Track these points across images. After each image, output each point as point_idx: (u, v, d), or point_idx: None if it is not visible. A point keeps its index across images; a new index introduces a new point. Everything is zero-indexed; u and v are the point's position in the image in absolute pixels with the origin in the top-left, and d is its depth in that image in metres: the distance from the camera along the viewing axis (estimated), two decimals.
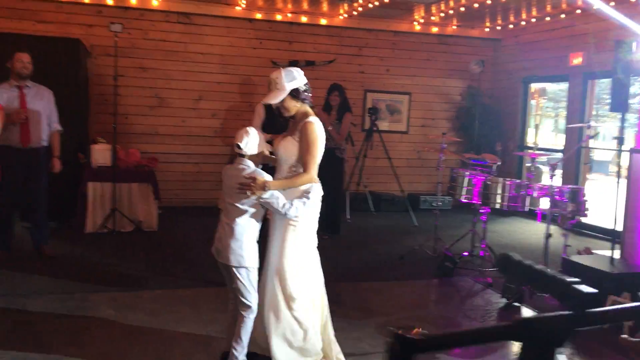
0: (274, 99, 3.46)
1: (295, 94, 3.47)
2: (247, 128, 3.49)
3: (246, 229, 3.43)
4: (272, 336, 3.48)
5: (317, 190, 3.54)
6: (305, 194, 3.46)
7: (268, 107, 7.41)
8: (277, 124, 5.97)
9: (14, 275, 5.31)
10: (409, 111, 10.28)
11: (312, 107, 3.63)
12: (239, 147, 3.43)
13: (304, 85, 3.51)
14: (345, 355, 3.93)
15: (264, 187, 3.32)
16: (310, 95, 3.58)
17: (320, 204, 3.63)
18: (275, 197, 3.37)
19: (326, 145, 7.14)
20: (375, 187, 9.99)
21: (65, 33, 8.16)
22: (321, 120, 7.13)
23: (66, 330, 4.13)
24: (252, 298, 3.47)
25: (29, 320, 4.27)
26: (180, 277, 5.52)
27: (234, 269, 3.43)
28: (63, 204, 7.26)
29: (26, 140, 5.58)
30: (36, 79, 5.82)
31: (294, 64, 9.40)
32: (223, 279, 3.64)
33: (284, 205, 3.37)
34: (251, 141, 3.45)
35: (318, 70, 9.53)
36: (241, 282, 3.44)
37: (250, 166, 3.45)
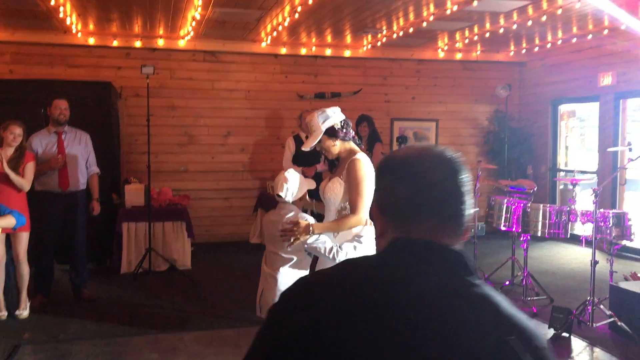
0: (311, 143, 3.32)
1: (331, 132, 3.29)
2: (286, 174, 3.29)
3: (293, 279, 3.19)
4: None
5: (369, 233, 3.27)
6: (357, 238, 3.21)
7: (298, 140, 7.45)
8: (308, 156, 5.97)
9: (54, 321, 5.31)
10: (437, 138, 10.22)
11: (358, 144, 3.44)
12: (279, 196, 3.26)
13: (341, 122, 3.31)
14: None
15: (308, 230, 3.11)
16: (352, 132, 3.39)
17: (375, 247, 3.40)
18: (322, 241, 3.14)
19: None
20: None
21: (96, 76, 8.32)
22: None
23: None
24: None
25: None
26: (220, 317, 5.47)
27: None
28: (99, 245, 7.31)
29: (65, 185, 5.64)
30: (70, 122, 5.91)
31: (320, 96, 9.45)
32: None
33: (331, 249, 3.13)
34: (292, 186, 3.26)
35: (344, 102, 9.54)
36: None
37: (292, 210, 3.27)
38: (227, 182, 9.20)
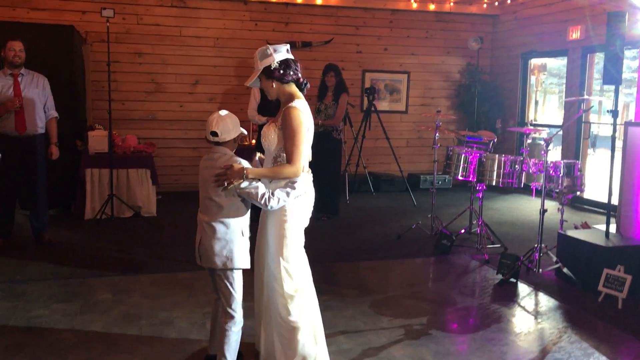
0: (250, 80, 3.22)
1: (268, 73, 3.14)
2: (219, 112, 3.17)
3: (230, 225, 3.11)
4: (272, 342, 3.25)
5: (304, 180, 3.18)
6: (290, 184, 3.12)
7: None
8: (274, 106, 5.95)
9: (14, 262, 5.35)
10: (408, 90, 10.23)
11: (302, 88, 3.27)
12: (214, 134, 3.11)
13: (278, 62, 3.14)
14: (339, 333, 3.96)
15: (242, 174, 3.00)
16: (294, 73, 3.20)
17: (312, 196, 3.30)
18: (254, 186, 3.04)
19: (323, 127, 7.18)
20: (375, 168, 9.98)
21: (59, 20, 8.15)
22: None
23: (63, 315, 4.17)
24: (237, 307, 3.18)
25: (26, 307, 4.30)
26: (179, 261, 5.54)
27: (219, 273, 3.14)
28: (62, 191, 7.31)
29: (22, 128, 5.59)
30: (31, 67, 5.81)
31: (290, 45, 9.33)
32: None
33: (263, 195, 3.04)
34: (224, 125, 3.10)
35: (315, 51, 9.48)
36: (227, 287, 3.14)
37: (226, 153, 3.14)
38: (196, 132, 9.16)
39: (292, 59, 3.23)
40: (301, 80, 3.27)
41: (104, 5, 7.67)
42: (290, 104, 3.13)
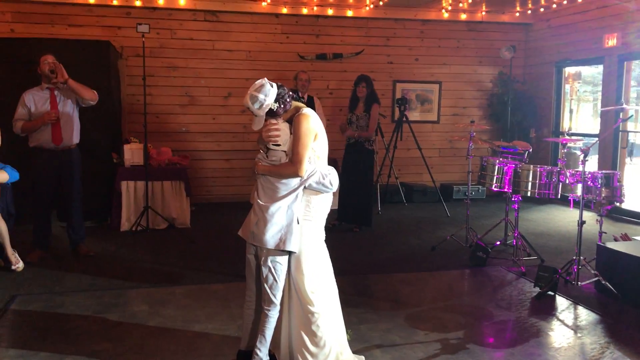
0: (257, 127, 3.33)
1: (272, 114, 3.32)
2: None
3: (285, 209, 3.33)
4: (297, 336, 3.43)
5: (334, 175, 3.48)
6: (323, 175, 3.40)
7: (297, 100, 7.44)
8: None
9: (51, 274, 5.45)
10: (440, 100, 10.16)
11: (298, 98, 3.51)
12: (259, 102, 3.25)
13: (276, 102, 3.27)
14: (374, 347, 3.93)
15: (254, 171, 3.38)
16: (289, 98, 3.35)
17: (331, 195, 3.54)
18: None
19: (354, 138, 7.18)
20: (407, 179, 9.93)
21: (96, 36, 8.34)
22: (348, 134, 7.04)
23: (100, 327, 4.23)
24: (279, 293, 3.40)
25: (65, 318, 4.38)
26: (213, 272, 5.58)
27: (265, 254, 3.34)
28: (98, 203, 7.45)
29: (58, 140, 5.71)
30: None
31: (321, 57, 9.40)
32: None
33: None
34: (262, 94, 3.24)
35: (346, 63, 9.50)
36: (271, 272, 3.35)
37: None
38: (228, 144, 9.26)
39: (279, 89, 3.32)
40: (293, 95, 3.48)
41: (139, 20, 7.82)
42: (301, 112, 3.37)
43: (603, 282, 4.97)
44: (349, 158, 7.33)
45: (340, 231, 7.16)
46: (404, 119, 8.89)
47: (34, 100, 5.64)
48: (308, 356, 3.41)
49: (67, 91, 5.80)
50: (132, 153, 7.31)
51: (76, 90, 5.68)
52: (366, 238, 7.03)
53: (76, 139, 5.89)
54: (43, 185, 5.75)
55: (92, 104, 5.87)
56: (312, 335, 3.40)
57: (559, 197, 5.76)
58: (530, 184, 5.65)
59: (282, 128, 3.34)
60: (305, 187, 3.39)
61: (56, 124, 5.67)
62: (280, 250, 3.34)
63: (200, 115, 9.15)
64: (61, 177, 5.82)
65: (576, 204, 5.36)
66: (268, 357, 3.46)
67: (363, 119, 7.19)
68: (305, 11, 9.20)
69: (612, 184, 5.13)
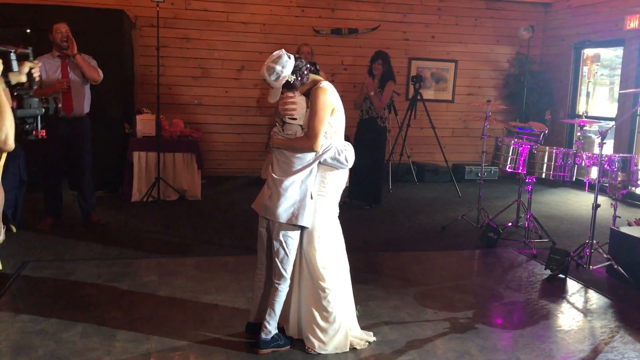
0: (273, 99, 3.31)
1: (289, 87, 3.27)
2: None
3: (299, 184, 3.32)
4: (307, 311, 3.45)
5: (350, 151, 3.46)
6: (338, 150, 3.38)
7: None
8: None
9: (63, 242, 5.48)
10: (455, 79, 10.04)
11: (316, 71, 3.45)
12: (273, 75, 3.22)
13: (293, 74, 3.22)
14: (383, 323, 3.92)
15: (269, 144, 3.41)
16: (306, 70, 3.30)
17: (347, 170, 3.52)
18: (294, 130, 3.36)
19: (368, 114, 7.13)
20: (419, 158, 9.86)
21: (110, 4, 8.26)
22: (367, 85, 7.07)
23: (111, 295, 4.25)
24: (289, 267, 3.39)
25: (76, 286, 4.41)
26: (223, 245, 5.59)
27: (277, 228, 3.33)
28: (110, 173, 7.46)
29: (69, 109, 5.69)
30: (82, 50, 5.87)
31: (336, 32, 9.28)
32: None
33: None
34: (280, 65, 3.21)
35: (361, 38, 9.39)
36: (283, 246, 3.34)
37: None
38: (240, 117, 9.21)
39: (296, 60, 3.28)
40: (311, 68, 3.42)
41: None
42: (319, 85, 3.32)
43: (615, 266, 4.92)
44: (361, 135, 7.26)
45: (351, 208, 7.15)
46: (419, 97, 8.79)
47: (45, 68, 5.61)
48: (318, 331, 3.42)
49: (80, 58, 5.76)
50: (144, 124, 7.29)
51: (82, 67, 5.66)
52: (376, 216, 7.01)
53: (87, 108, 5.87)
54: (53, 154, 5.75)
55: (94, 83, 5.83)
56: (323, 311, 3.40)
57: (574, 179, 5.69)
58: (545, 165, 5.57)
59: (298, 101, 3.31)
60: (320, 163, 3.36)
61: (67, 92, 5.65)
62: (292, 224, 3.32)
63: (212, 87, 9.09)
64: (71, 145, 5.82)
65: (591, 187, 5.30)
66: (277, 331, 3.47)
67: (377, 95, 7.11)
68: None
69: (629, 167, 5.05)
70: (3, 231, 5.40)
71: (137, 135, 7.29)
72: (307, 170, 3.33)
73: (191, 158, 7.42)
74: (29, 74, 2.83)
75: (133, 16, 8.45)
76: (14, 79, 2.75)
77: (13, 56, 2.69)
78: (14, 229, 5.64)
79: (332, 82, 3.53)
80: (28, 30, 2.76)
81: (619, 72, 9.29)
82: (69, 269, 4.75)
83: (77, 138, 5.83)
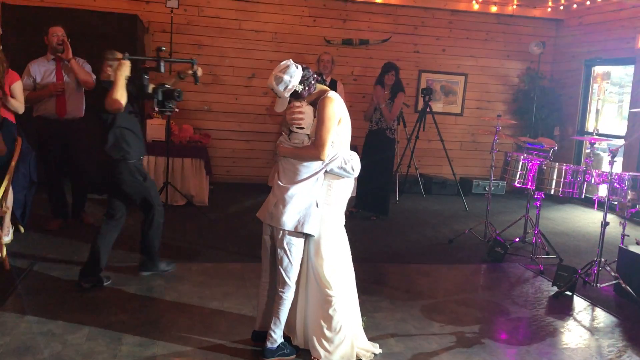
0: (280, 108, 3.33)
1: (296, 96, 3.30)
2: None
3: (305, 192, 3.32)
4: (313, 319, 3.45)
5: (356, 161, 3.46)
6: (345, 159, 3.37)
7: (320, 83, 7.37)
8: None
9: (70, 243, 5.50)
10: (465, 93, 10.05)
11: (322, 82, 3.50)
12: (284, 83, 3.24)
13: (301, 84, 3.26)
14: (389, 335, 3.91)
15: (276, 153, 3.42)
16: (314, 80, 3.34)
17: (352, 180, 3.52)
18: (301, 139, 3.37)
19: (378, 125, 7.14)
20: (427, 170, 9.86)
21: (124, 9, 8.32)
22: (377, 96, 7.09)
23: (117, 298, 4.26)
24: (293, 275, 3.39)
25: (82, 287, 4.41)
26: (230, 252, 5.59)
27: (282, 236, 3.33)
28: None
29: (62, 112, 5.73)
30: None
31: (347, 42, 9.32)
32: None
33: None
34: (287, 76, 3.24)
35: (372, 50, 9.42)
36: (287, 254, 3.35)
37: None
38: (249, 125, 9.24)
39: (304, 71, 3.31)
40: (318, 78, 3.48)
41: None
42: (326, 95, 3.33)
43: (623, 285, 4.90)
44: (370, 146, 7.27)
45: (358, 218, 7.14)
46: (428, 109, 8.80)
47: (39, 71, 5.65)
48: (323, 340, 3.41)
49: (75, 61, 5.78)
50: (155, 128, 7.32)
51: (75, 71, 5.70)
52: (383, 227, 7.00)
53: (82, 111, 5.90)
54: (49, 155, 5.80)
55: (87, 88, 5.83)
56: (329, 320, 3.40)
57: (583, 197, 5.68)
58: (554, 182, 5.56)
59: (305, 111, 3.32)
60: (326, 172, 3.37)
61: (61, 95, 5.70)
62: (297, 232, 3.33)
63: (223, 94, 9.13)
64: (66, 147, 5.85)
65: (600, 205, 5.28)
66: (282, 339, 3.46)
67: (388, 106, 7.13)
68: None
69: (639, 186, 5.04)
70: (11, 231, 5.43)
71: (146, 139, 7.30)
72: (314, 178, 3.34)
73: (200, 164, 7.44)
74: None
75: (146, 21, 8.51)
76: None
77: None
78: (22, 230, 5.66)
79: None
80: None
81: (627, 89, 9.28)
82: (76, 270, 4.74)
83: (70, 140, 5.86)
